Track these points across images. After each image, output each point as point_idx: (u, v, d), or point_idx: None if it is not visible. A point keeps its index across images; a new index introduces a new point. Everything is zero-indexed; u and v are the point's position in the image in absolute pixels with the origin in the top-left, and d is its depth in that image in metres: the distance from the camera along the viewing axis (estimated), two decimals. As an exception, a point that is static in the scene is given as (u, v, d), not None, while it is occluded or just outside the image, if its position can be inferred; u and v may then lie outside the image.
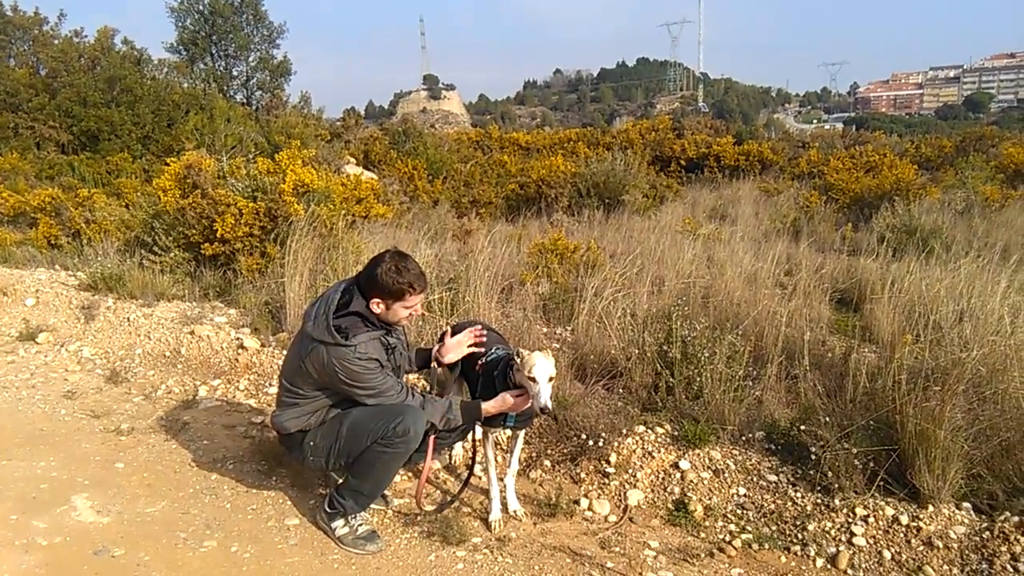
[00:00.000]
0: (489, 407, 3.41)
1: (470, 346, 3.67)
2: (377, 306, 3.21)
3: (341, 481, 3.45)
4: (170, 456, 4.16)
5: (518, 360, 3.35)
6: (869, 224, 12.20)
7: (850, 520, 3.49)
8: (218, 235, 6.83)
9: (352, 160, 16.08)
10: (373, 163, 16.38)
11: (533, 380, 3.25)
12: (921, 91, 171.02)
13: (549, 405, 3.25)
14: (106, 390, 5.18)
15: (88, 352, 5.76)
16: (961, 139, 20.09)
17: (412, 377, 4.88)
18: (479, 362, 3.63)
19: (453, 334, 3.75)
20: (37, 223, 9.55)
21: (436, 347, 3.72)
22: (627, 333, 5.26)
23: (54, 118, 15.26)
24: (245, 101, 25.16)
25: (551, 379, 3.29)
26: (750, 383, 4.56)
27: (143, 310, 6.20)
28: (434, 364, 3.77)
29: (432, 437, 3.42)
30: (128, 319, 6.09)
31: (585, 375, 4.93)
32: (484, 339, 3.70)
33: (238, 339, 5.62)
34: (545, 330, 6.03)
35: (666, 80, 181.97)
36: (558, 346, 5.71)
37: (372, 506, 3.55)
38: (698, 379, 4.48)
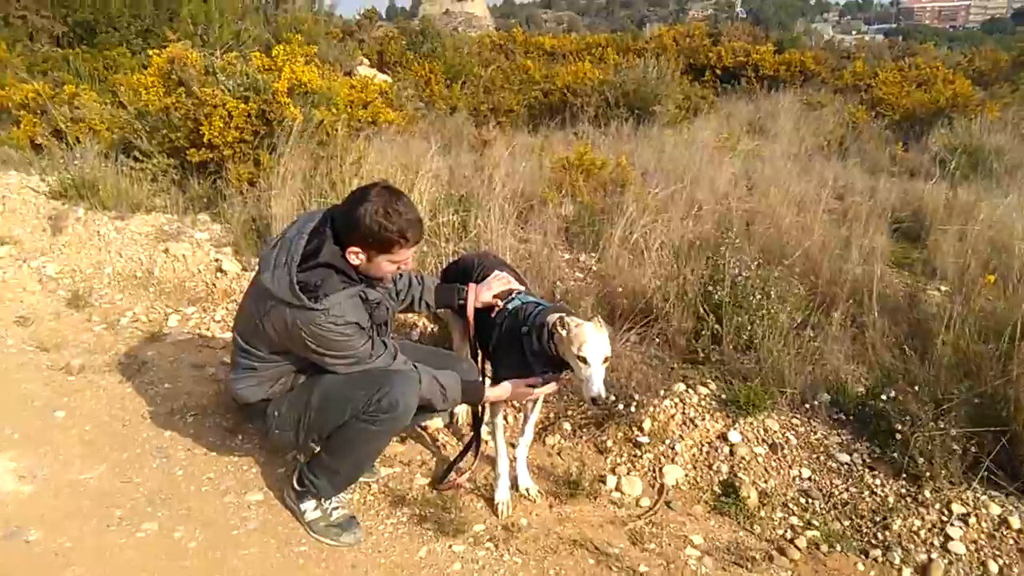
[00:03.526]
0: (491, 395, 2.74)
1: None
2: (356, 256, 2.46)
3: (315, 453, 2.79)
4: (122, 403, 3.52)
5: (561, 331, 2.57)
6: (921, 143, 11.22)
7: (944, 518, 2.79)
8: (205, 140, 6.05)
9: (366, 61, 15.24)
10: (388, 65, 15.37)
11: (583, 361, 2.50)
12: (968, 2, 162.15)
13: (603, 394, 2.50)
14: (65, 316, 4.52)
15: (52, 270, 5.08)
16: (1019, 52, 18.53)
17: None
18: (497, 307, 2.91)
19: (451, 270, 3.16)
20: (20, 121, 8.80)
21: (465, 291, 2.93)
22: (664, 267, 4.51)
23: (47, 7, 14.21)
24: (254, -5, 23.74)
25: (606, 359, 2.54)
26: (810, 332, 3.84)
27: (116, 223, 5.50)
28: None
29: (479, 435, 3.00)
30: (99, 233, 5.40)
31: (613, 317, 4.16)
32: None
33: (217, 260, 4.93)
34: (567, 257, 5.30)
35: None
36: (582, 276, 5.00)
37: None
38: (749, 327, 3.74)
